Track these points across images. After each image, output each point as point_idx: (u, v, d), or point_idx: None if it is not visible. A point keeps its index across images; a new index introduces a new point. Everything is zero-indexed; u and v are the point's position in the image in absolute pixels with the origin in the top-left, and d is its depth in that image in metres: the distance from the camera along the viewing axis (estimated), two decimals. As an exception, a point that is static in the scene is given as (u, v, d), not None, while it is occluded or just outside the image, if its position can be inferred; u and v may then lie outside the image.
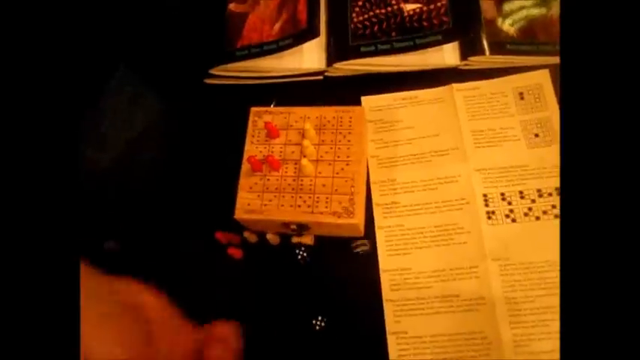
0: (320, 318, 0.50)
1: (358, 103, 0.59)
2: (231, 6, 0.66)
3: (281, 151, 0.53)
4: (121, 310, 0.38)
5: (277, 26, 0.62)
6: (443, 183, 0.53)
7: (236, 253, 0.53)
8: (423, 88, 0.58)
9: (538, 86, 0.55)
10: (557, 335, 0.46)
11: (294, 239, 0.53)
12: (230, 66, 0.62)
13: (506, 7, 0.59)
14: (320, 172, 0.51)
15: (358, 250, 0.52)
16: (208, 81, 0.63)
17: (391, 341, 0.48)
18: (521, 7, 0.59)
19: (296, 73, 0.61)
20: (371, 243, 0.52)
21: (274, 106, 0.58)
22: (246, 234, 0.54)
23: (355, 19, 0.61)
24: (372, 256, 0.52)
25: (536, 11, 0.59)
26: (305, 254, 0.52)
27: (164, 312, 0.41)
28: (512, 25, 0.58)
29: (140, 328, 0.38)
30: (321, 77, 0.61)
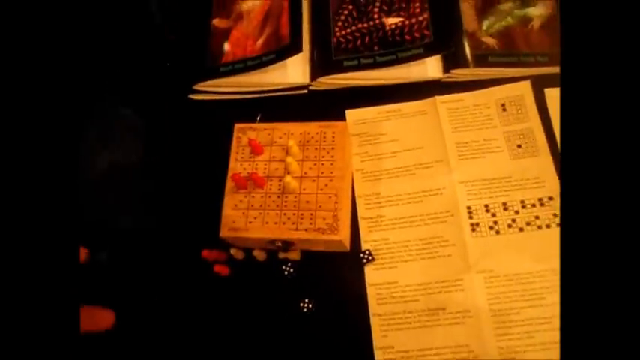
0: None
1: (343, 116, 0.59)
2: (215, 21, 0.66)
3: (265, 168, 0.53)
4: None
5: (260, 42, 0.63)
6: (427, 196, 0.54)
7: (223, 270, 0.53)
8: (406, 101, 0.58)
9: (520, 97, 0.56)
10: (543, 347, 0.46)
11: (281, 255, 0.53)
12: (214, 81, 0.62)
13: (487, 14, 0.60)
14: (304, 189, 0.51)
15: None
16: (192, 96, 0.63)
17: (378, 356, 0.48)
18: (500, 13, 0.60)
19: (280, 87, 0.61)
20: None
21: (259, 120, 0.58)
22: (232, 251, 0.54)
23: (338, 34, 0.61)
24: (358, 270, 0.52)
25: (512, 18, 0.59)
26: (291, 269, 0.52)
27: None
28: (489, 31, 0.58)
29: None
30: (305, 91, 0.61)
